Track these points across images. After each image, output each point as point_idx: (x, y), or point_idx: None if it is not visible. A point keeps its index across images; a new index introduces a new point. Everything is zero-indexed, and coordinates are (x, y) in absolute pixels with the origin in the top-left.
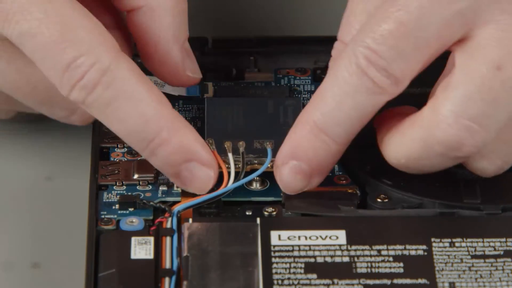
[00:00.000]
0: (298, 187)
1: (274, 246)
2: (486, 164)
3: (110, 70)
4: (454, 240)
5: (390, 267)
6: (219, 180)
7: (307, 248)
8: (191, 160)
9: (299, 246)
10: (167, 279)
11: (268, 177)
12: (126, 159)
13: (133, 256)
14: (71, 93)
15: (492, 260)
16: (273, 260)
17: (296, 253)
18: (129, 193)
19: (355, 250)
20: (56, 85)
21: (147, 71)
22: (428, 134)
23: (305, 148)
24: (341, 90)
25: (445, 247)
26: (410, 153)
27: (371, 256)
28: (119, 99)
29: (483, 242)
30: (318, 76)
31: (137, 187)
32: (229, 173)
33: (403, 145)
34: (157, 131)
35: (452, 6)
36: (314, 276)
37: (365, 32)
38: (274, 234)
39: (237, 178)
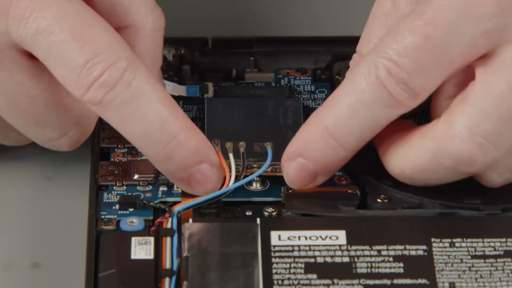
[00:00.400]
0: (303, 184)
1: (274, 246)
2: (495, 176)
3: (130, 69)
4: (454, 240)
5: (390, 267)
6: None
7: (307, 248)
8: (203, 162)
9: (299, 246)
10: (167, 279)
11: (268, 177)
12: (126, 159)
13: (133, 256)
14: (87, 92)
15: (492, 260)
16: (273, 260)
17: (296, 253)
18: (129, 194)
19: (355, 250)
20: (69, 86)
21: None
22: (440, 147)
23: (313, 150)
24: (357, 99)
25: (445, 247)
26: (418, 164)
27: (371, 256)
28: (139, 98)
29: (483, 242)
30: (318, 76)
31: (137, 187)
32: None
33: (410, 156)
34: (175, 133)
35: (480, 25)
36: (314, 276)
37: (388, 42)
38: (274, 234)
39: (237, 178)
